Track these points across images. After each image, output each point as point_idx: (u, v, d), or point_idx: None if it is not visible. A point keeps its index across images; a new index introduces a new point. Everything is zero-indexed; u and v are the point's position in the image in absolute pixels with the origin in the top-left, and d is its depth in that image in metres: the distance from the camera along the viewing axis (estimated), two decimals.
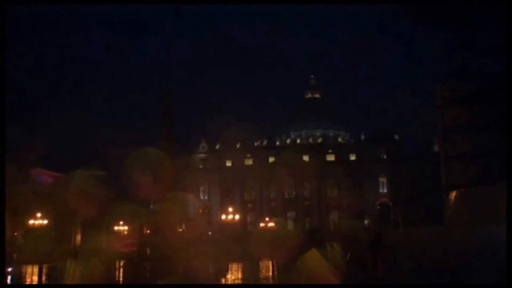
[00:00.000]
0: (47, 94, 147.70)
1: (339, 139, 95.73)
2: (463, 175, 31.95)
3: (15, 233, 47.21)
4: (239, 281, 23.62)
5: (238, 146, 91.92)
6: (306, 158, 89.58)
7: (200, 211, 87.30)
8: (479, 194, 28.79)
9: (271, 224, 67.10)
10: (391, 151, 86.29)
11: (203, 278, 21.67)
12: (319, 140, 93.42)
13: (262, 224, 68.64)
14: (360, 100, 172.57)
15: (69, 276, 15.71)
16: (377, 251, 13.92)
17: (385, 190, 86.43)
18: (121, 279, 24.60)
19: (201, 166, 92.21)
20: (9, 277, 23.62)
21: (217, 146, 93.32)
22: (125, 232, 60.69)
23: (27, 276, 27.95)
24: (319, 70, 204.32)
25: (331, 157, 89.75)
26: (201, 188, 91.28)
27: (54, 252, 33.70)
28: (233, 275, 26.43)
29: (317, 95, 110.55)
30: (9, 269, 24.55)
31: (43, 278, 25.84)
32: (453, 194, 33.86)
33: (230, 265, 29.30)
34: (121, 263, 29.47)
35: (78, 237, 55.31)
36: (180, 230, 69.59)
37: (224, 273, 25.69)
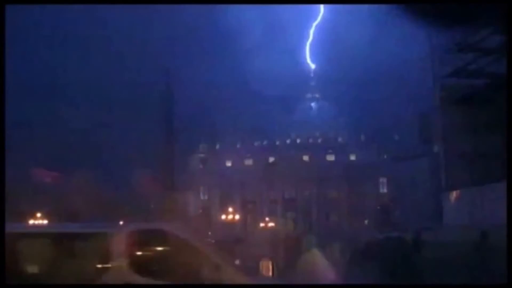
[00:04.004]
0: (47, 93, 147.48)
1: (339, 139, 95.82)
2: (463, 175, 31.89)
3: None
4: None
5: (238, 146, 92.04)
6: (306, 158, 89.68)
7: (200, 211, 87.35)
8: (479, 194, 28.76)
9: (271, 224, 67.12)
10: (391, 151, 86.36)
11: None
12: (319, 140, 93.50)
13: (262, 224, 68.65)
14: (360, 99, 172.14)
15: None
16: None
17: (385, 190, 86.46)
18: None
19: (201, 166, 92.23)
20: None
21: (217, 146, 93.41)
22: None
23: None
24: (320, 70, 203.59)
25: (331, 157, 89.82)
26: (201, 188, 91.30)
27: None
28: None
29: (317, 95, 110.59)
30: None
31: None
32: (453, 194, 33.83)
33: None
34: None
35: None
36: None
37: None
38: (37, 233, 6.81)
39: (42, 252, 6.37)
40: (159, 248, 6.65)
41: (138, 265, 6.27)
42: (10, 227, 6.42)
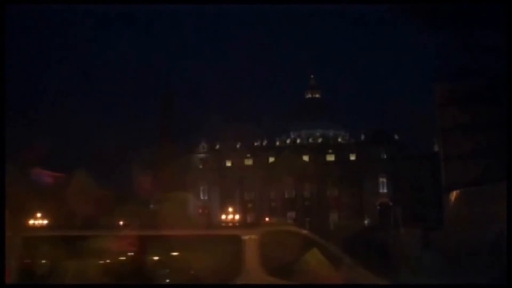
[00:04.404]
0: (47, 94, 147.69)
1: (339, 139, 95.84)
2: (463, 175, 31.91)
3: None
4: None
5: (238, 146, 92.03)
6: (306, 158, 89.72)
7: (200, 211, 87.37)
8: (479, 194, 28.76)
9: None
10: (391, 151, 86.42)
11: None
12: (319, 140, 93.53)
13: None
14: (360, 100, 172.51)
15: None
16: None
17: (385, 190, 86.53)
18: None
19: (201, 166, 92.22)
20: None
21: (217, 146, 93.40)
22: None
23: None
24: (319, 70, 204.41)
25: (331, 157, 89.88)
26: (201, 188, 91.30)
27: None
28: None
29: (317, 95, 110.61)
30: None
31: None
32: (453, 194, 33.83)
33: None
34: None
35: None
36: None
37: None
38: (174, 236, 7.08)
39: (186, 253, 6.77)
40: (293, 250, 6.63)
41: (272, 267, 6.29)
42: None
